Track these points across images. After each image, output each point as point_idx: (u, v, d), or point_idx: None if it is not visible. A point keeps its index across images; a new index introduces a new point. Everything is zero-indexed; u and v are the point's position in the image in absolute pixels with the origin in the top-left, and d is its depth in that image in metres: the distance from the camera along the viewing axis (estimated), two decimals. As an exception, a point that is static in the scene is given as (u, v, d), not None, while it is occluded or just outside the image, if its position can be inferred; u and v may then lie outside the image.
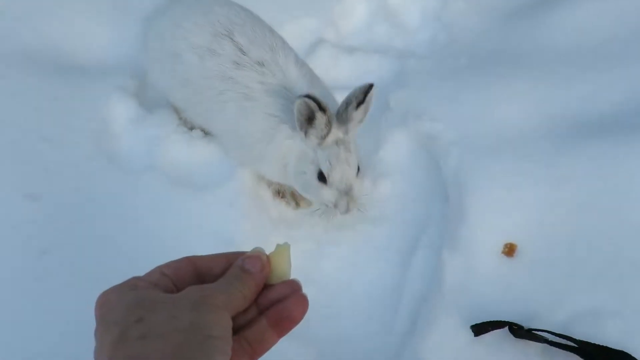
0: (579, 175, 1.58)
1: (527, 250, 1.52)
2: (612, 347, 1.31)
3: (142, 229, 1.67)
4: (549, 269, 1.48)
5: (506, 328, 1.39)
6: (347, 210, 1.55)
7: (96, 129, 1.87)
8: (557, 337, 1.35)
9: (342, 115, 1.54)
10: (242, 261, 0.81)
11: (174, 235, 1.65)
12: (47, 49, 2.01)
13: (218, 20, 1.71)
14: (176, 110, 1.94)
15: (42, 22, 2.04)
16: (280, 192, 1.87)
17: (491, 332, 1.40)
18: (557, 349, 1.35)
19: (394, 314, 1.64)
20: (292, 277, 0.85)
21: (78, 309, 1.40)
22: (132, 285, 0.76)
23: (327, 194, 1.56)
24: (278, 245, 0.86)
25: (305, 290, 0.83)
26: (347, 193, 1.54)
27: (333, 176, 1.54)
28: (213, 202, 1.74)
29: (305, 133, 1.54)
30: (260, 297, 0.82)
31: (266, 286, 0.83)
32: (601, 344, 1.32)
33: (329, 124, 1.51)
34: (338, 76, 2.13)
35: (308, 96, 1.46)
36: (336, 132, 1.54)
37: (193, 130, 1.92)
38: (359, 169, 1.58)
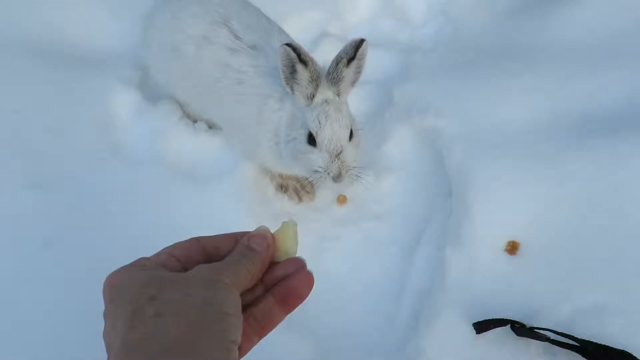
0: (583, 173, 1.58)
1: (529, 247, 1.52)
2: (614, 346, 1.31)
3: (144, 220, 1.67)
4: (551, 267, 1.48)
5: (508, 326, 1.39)
6: (339, 175, 1.48)
7: (100, 119, 1.87)
8: (559, 336, 1.35)
9: (333, 75, 1.49)
10: (247, 240, 0.82)
11: (176, 226, 1.65)
12: (52, 38, 2.00)
13: (215, 10, 1.70)
14: (180, 104, 1.94)
15: (47, 11, 2.03)
16: (283, 187, 1.86)
17: (493, 330, 1.40)
18: (558, 347, 1.35)
19: (396, 309, 1.64)
20: (298, 254, 0.85)
21: (81, 299, 1.42)
22: (141, 265, 0.76)
23: (316, 157, 1.50)
24: (284, 223, 0.86)
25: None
26: (338, 156, 1.49)
27: (322, 135, 1.48)
28: (216, 195, 1.74)
29: (292, 90, 1.51)
30: (266, 275, 0.82)
31: (272, 264, 0.83)
32: (603, 343, 1.32)
33: (313, 81, 1.47)
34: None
35: (288, 44, 1.43)
36: (326, 92, 1.50)
37: (197, 123, 1.92)
38: (352, 134, 1.54)
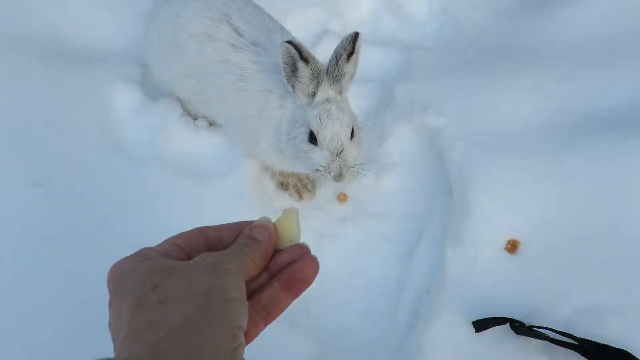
0: (584, 172, 1.58)
1: (529, 246, 1.52)
2: (613, 345, 1.31)
3: (144, 218, 1.67)
4: (551, 266, 1.48)
5: (507, 324, 1.40)
6: (340, 174, 1.48)
7: (100, 116, 1.87)
8: (558, 335, 1.35)
9: (334, 72, 1.49)
10: (250, 230, 0.82)
11: (176, 224, 1.63)
12: (52, 35, 2.00)
13: (216, 6, 1.70)
14: (181, 102, 1.94)
15: (47, 8, 2.03)
16: (284, 184, 1.86)
17: (492, 328, 1.40)
18: (557, 346, 1.35)
19: (396, 307, 1.64)
20: (301, 241, 0.86)
21: (80, 295, 1.43)
22: (144, 255, 0.77)
23: (318, 156, 1.49)
24: (285, 210, 0.87)
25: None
26: (339, 155, 1.49)
27: (323, 134, 1.48)
28: (216, 193, 1.74)
29: (293, 88, 1.51)
30: (271, 262, 0.83)
31: (276, 251, 0.84)
32: (602, 342, 1.32)
33: (314, 79, 1.47)
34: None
35: (289, 42, 1.43)
36: (327, 90, 1.50)
37: (197, 120, 1.92)
38: (353, 133, 1.53)
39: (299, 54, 1.43)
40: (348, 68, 1.50)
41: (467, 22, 2.27)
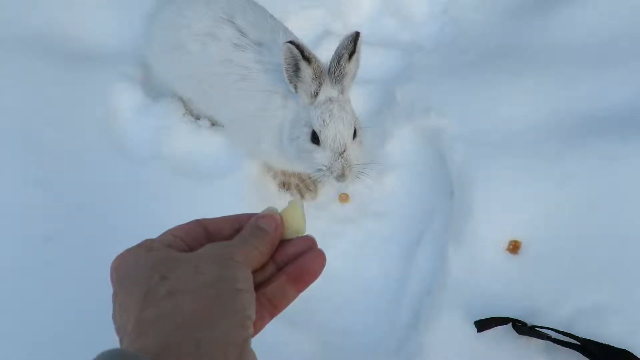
0: (585, 173, 1.58)
1: (531, 246, 1.52)
2: (615, 345, 1.31)
3: (146, 217, 1.67)
4: (552, 266, 1.48)
5: (509, 324, 1.40)
6: (342, 174, 1.48)
7: (102, 116, 1.87)
8: (560, 335, 1.35)
9: (336, 72, 1.49)
10: (256, 220, 0.82)
11: (178, 223, 1.64)
12: (54, 34, 2.00)
13: (220, 7, 1.71)
14: (183, 102, 1.94)
15: (50, 8, 2.02)
16: (286, 184, 1.86)
17: (494, 328, 1.40)
18: (559, 346, 1.35)
19: (398, 307, 1.64)
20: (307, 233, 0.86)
21: (82, 294, 1.43)
22: (148, 246, 0.76)
23: (320, 156, 1.50)
24: (291, 202, 0.87)
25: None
26: (341, 155, 1.49)
27: (326, 134, 1.48)
28: (218, 193, 1.74)
29: (296, 89, 1.51)
30: (277, 254, 0.83)
31: (282, 243, 0.84)
32: (604, 342, 1.32)
33: (317, 79, 1.48)
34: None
35: (291, 42, 1.43)
36: (329, 90, 1.50)
37: (200, 120, 1.92)
38: (355, 133, 1.53)
39: (301, 53, 1.44)
40: (349, 67, 1.50)
41: (468, 23, 2.27)
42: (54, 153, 1.74)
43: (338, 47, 1.49)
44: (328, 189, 1.88)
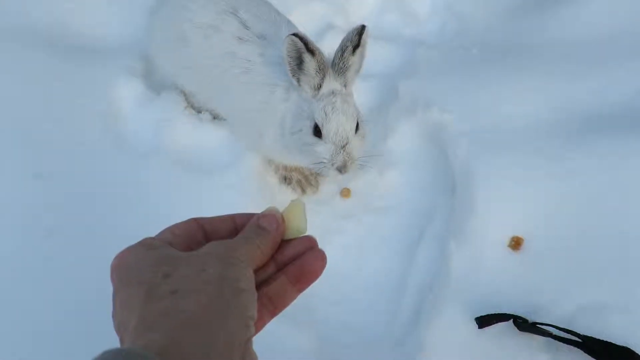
0: (588, 170, 1.58)
1: (533, 243, 1.52)
2: (616, 343, 1.31)
3: (147, 211, 1.66)
4: (554, 263, 1.48)
5: (510, 321, 1.39)
6: (344, 166, 1.48)
7: (103, 109, 1.86)
8: (562, 332, 1.35)
9: (339, 65, 1.49)
10: (257, 219, 0.82)
11: (179, 217, 1.64)
12: (56, 27, 2.00)
13: (223, 0, 1.70)
14: (184, 95, 1.93)
15: (51, 1, 2.02)
16: (287, 179, 1.86)
17: (495, 325, 1.40)
18: (560, 343, 1.35)
19: (399, 303, 1.64)
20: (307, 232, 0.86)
21: (82, 289, 1.43)
22: (148, 244, 0.76)
23: (322, 149, 1.49)
24: (292, 202, 0.87)
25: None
26: (343, 148, 1.48)
27: (328, 127, 1.47)
28: (220, 186, 1.73)
29: (299, 81, 1.50)
30: (278, 254, 0.83)
31: (283, 242, 0.84)
32: (605, 339, 1.32)
33: (320, 71, 1.47)
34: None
35: (295, 34, 1.43)
36: (332, 83, 1.50)
37: (201, 113, 1.92)
38: (358, 126, 1.53)
39: (305, 45, 1.43)
40: (353, 60, 1.49)
41: (471, 19, 2.27)
42: (55, 147, 1.74)
43: (343, 40, 1.48)
44: (330, 185, 1.87)
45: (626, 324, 1.35)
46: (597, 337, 1.33)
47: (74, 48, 1.97)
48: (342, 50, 1.48)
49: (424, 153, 1.87)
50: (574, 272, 1.45)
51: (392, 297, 1.66)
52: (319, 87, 1.50)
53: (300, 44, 1.43)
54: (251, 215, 0.84)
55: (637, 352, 1.30)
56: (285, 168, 1.84)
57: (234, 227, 0.84)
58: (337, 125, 1.48)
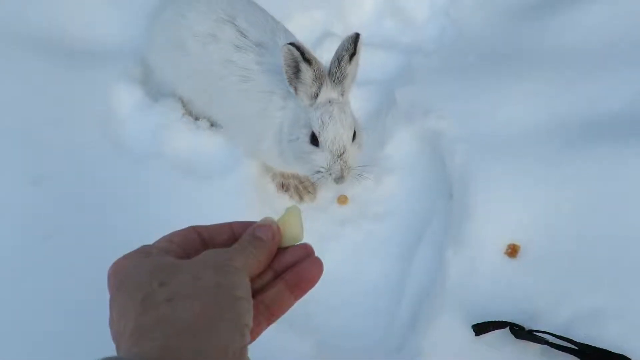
0: (584, 176, 1.58)
1: (529, 250, 1.52)
2: (613, 350, 1.31)
3: (144, 216, 1.67)
4: (551, 270, 1.48)
5: (507, 328, 1.39)
6: (341, 176, 1.48)
7: (101, 114, 1.87)
8: (558, 339, 1.35)
9: (336, 74, 1.49)
10: (253, 229, 0.82)
11: (176, 223, 1.63)
12: (54, 32, 2.00)
13: (221, 8, 1.71)
14: (182, 102, 1.94)
15: (50, 5, 2.02)
16: (285, 186, 1.86)
17: (492, 332, 1.40)
18: (557, 350, 1.35)
19: (396, 310, 1.64)
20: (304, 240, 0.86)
21: (80, 293, 1.42)
22: (146, 252, 0.76)
23: (319, 158, 1.50)
24: (287, 209, 0.87)
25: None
26: (340, 157, 1.49)
27: (325, 136, 1.48)
28: (217, 193, 1.74)
29: (296, 90, 1.51)
30: (275, 262, 0.83)
31: (280, 250, 0.84)
32: (602, 347, 1.32)
33: (317, 80, 1.48)
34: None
35: (292, 44, 1.43)
36: (330, 92, 1.50)
37: (199, 121, 1.92)
38: (355, 135, 1.53)
39: (301, 55, 1.43)
40: (350, 69, 1.50)
41: (468, 26, 2.28)
42: (53, 151, 1.74)
43: (338, 49, 1.49)
44: (327, 191, 1.87)
45: (623, 331, 1.35)
46: (594, 344, 1.33)
47: (73, 52, 1.97)
48: (338, 59, 1.49)
49: (422, 159, 1.87)
50: (571, 278, 1.45)
51: (390, 303, 1.66)
52: (316, 95, 1.50)
53: (296, 53, 1.43)
54: (249, 223, 0.85)
55: (633, 359, 1.30)
56: (283, 175, 1.85)
57: (232, 235, 0.84)
58: (334, 133, 1.48)
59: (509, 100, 1.81)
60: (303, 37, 1.83)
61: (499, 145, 1.71)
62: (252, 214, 1.70)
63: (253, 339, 0.78)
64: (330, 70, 1.50)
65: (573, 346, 1.34)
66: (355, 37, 1.48)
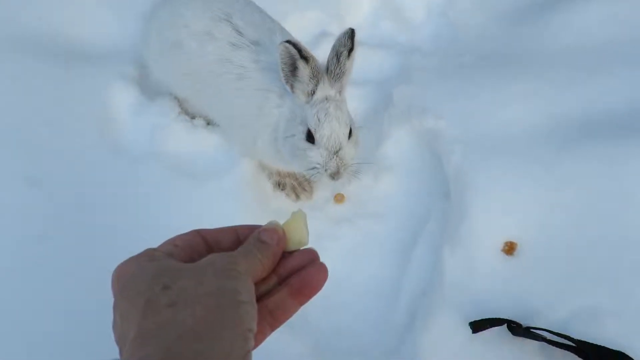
0: (582, 176, 1.58)
1: (527, 248, 1.52)
2: (610, 347, 1.31)
3: (141, 217, 1.67)
4: (548, 268, 1.48)
5: (504, 326, 1.40)
6: (337, 172, 1.48)
7: (98, 115, 1.87)
8: (555, 336, 1.35)
9: (335, 71, 1.49)
10: (258, 233, 0.82)
11: (174, 223, 1.62)
12: (51, 34, 2.00)
13: (217, 6, 1.71)
14: (178, 101, 1.94)
15: (47, 7, 2.03)
16: (281, 184, 1.86)
17: (489, 330, 1.40)
18: (554, 347, 1.35)
19: (393, 308, 1.64)
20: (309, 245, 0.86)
21: (76, 295, 1.42)
22: (150, 256, 0.76)
23: (315, 154, 1.49)
24: (293, 214, 0.87)
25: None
26: (336, 154, 1.49)
27: (321, 133, 1.47)
28: (214, 192, 1.74)
29: (292, 88, 1.51)
30: (280, 267, 0.83)
31: (285, 254, 0.84)
32: (599, 344, 1.32)
33: (314, 78, 1.48)
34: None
35: (288, 41, 1.43)
36: (327, 89, 1.50)
37: (195, 119, 1.92)
38: (351, 132, 1.53)
39: (298, 52, 1.43)
40: (348, 65, 1.50)
41: (465, 26, 2.28)
42: (50, 152, 1.74)
43: (335, 45, 1.48)
44: (324, 190, 1.88)
45: (620, 328, 1.35)
46: (591, 341, 1.33)
47: (69, 54, 1.97)
48: (337, 56, 1.49)
49: (419, 159, 1.87)
50: (568, 277, 1.45)
51: (387, 302, 1.66)
52: (313, 93, 1.50)
53: (293, 51, 1.44)
54: (254, 227, 0.84)
55: (631, 356, 1.30)
56: (279, 174, 1.85)
57: (237, 238, 0.84)
58: (330, 131, 1.48)
59: (507, 100, 1.81)
60: (300, 37, 1.82)
61: (496, 145, 1.71)
62: (249, 214, 1.71)
63: (257, 344, 0.77)
64: (328, 68, 1.50)
65: (571, 343, 1.34)
66: (351, 33, 1.48)
